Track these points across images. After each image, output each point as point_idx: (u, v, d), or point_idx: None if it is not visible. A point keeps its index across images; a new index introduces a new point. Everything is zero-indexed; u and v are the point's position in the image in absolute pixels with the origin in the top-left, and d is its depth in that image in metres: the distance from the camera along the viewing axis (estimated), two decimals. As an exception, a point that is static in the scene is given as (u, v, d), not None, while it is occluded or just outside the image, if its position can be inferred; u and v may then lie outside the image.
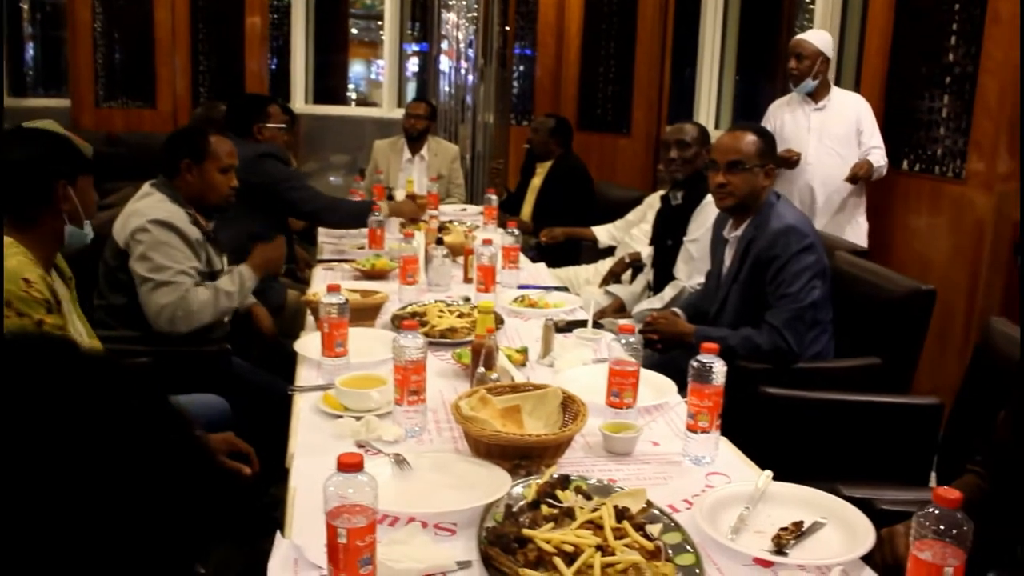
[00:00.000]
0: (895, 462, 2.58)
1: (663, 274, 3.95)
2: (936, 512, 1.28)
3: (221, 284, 3.01)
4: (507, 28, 6.79)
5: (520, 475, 1.81)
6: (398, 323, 2.78)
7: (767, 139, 3.07)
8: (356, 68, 10.58)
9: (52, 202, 2.26)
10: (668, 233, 3.97)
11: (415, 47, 9.21)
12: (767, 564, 1.57)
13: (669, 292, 3.78)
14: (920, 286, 3.00)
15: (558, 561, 1.48)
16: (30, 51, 10.08)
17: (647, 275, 4.19)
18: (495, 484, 1.76)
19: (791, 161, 4.35)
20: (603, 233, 5.01)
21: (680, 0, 6.81)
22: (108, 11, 9.20)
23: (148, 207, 3.01)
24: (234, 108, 4.34)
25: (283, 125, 4.36)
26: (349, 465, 1.39)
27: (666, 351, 3.04)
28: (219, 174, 3.13)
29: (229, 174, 3.17)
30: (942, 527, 1.27)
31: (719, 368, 1.93)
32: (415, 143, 5.91)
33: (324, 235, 4.57)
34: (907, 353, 3.02)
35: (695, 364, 1.94)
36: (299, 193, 4.06)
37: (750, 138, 3.03)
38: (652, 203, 4.69)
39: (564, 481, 1.76)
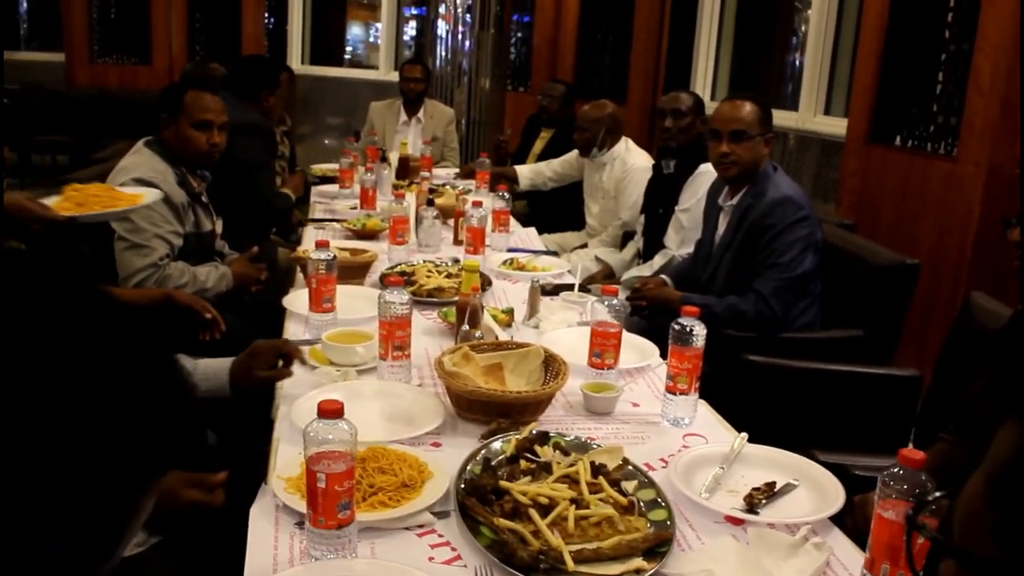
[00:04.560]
0: (873, 432, 2.61)
1: (653, 242, 3.97)
2: (900, 472, 1.31)
3: (200, 274, 2.99)
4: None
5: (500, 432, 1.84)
6: (385, 281, 2.80)
7: (765, 109, 3.08)
8: (354, 31, 10.52)
9: None
10: (659, 202, 3.99)
11: (413, 10, 9.17)
12: (738, 522, 1.60)
13: (658, 260, 3.81)
14: (905, 260, 3.03)
15: (533, 512, 1.51)
16: (24, 3, 10.00)
17: (637, 243, 4.21)
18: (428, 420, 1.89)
19: None
20: (525, 176, 5.06)
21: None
22: (105, -36, 9.13)
23: (133, 164, 3.00)
24: (244, 69, 4.29)
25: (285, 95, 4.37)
26: (329, 412, 1.42)
27: (653, 318, 3.07)
28: (192, 129, 3.09)
29: (210, 131, 3.12)
30: (905, 487, 1.30)
31: (699, 331, 1.96)
32: (412, 106, 5.90)
33: (316, 195, 4.58)
34: (890, 325, 3.06)
35: (675, 327, 1.97)
36: (262, 184, 4.05)
37: (749, 107, 3.05)
38: (571, 160, 4.86)
39: (543, 437, 1.78)
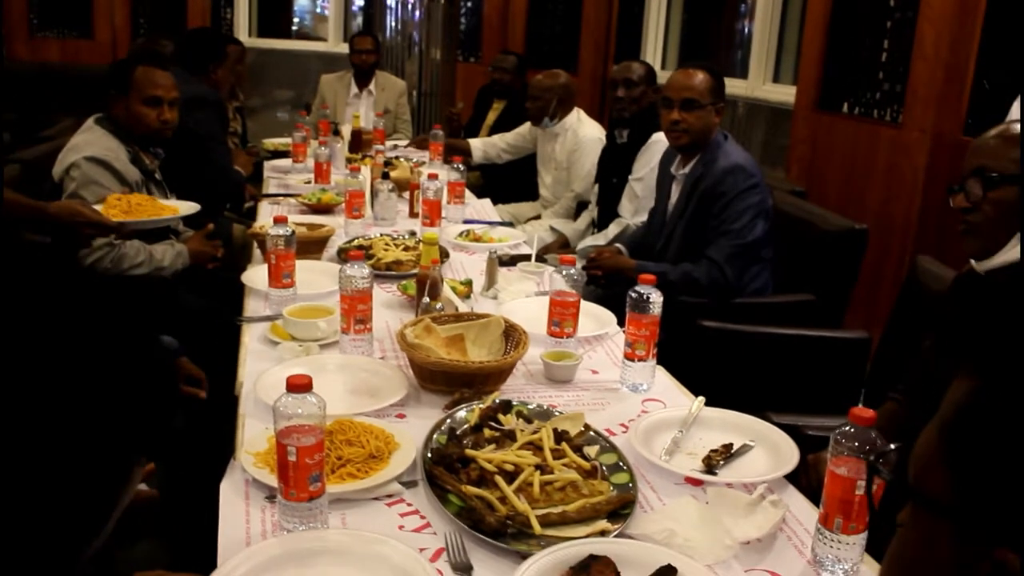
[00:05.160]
0: (824, 393, 2.69)
1: (607, 212, 4.01)
2: (851, 430, 1.37)
3: (156, 252, 2.97)
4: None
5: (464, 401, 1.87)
6: (344, 255, 2.81)
7: (718, 78, 3.12)
8: (301, 1, 10.38)
9: None
10: (613, 171, 4.03)
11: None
12: (697, 483, 1.65)
13: (613, 229, 3.85)
14: (853, 225, 3.11)
15: (499, 479, 1.55)
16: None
17: (591, 212, 4.25)
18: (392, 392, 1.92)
19: None
20: (478, 149, 5.07)
21: (629, -62, 6.80)
22: (42, -69, 8.89)
23: (85, 142, 2.98)
24: (191, 43, 4.26)
25: (236, 72, 4.34)
26: (298, 386, 1.44)
27: (609, 286, 3.11)
28: (143, 106, 3.07)
29: (160, 107, 3.10)
30: (856, 444, 1.35)
31: (656, 299, 2.00)
32: (363, 78, 5.87)
33: (270, 170, 4.55)
34: (840, 290, 3.14)
35: (632, 295, 2.01)
36: (218, 157, 4.03)
37: (702, 76, 3.09)
38: (524, 132, 4.90)
39: (506, 406, 1.82)
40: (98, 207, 2.67)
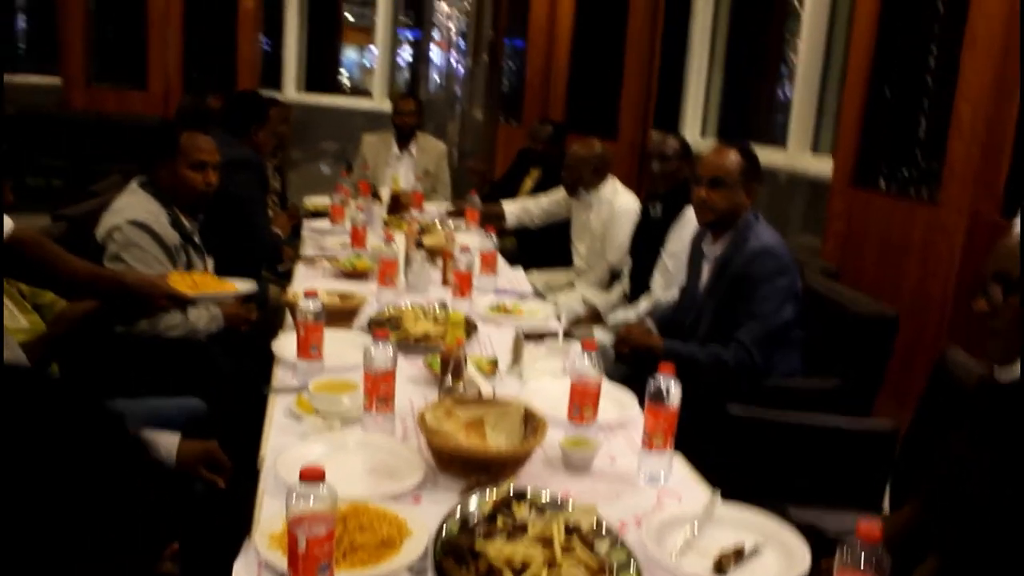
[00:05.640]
0: (849, 484, 2.66)
1: (639, 285, 4.03)
2: (859, 545, 1.37)
3: (191, 315, 3.05)
4: (498, 22, 6.83)
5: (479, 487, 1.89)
6: (373, 328, 2.84)
7: (750, 158, 3.14)
8: (349, 54, 10.61)
9: None
10: (646, 244, 4.05)
11: (408, 35, 9.25)
12: (708, 585, 1.65)
13: (644, 303, 3.86)
14: (884, 310, 3.09)
15: (507, 574, 1.55)
16: (21, 24, 10.05)
17: (624, 284, 4.26)
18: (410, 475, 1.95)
19: None
20: (512, 214, 5.11)
21: (670, 5, 6.88)
22: (101, -14, 9.20)
23: (127, 205, 3.07)
24: (234, 105, 4.38)
25: (279, 134, 4.44)
26: (311, 476, 1.47)
27: (637, 364, 3.12)
28: (190, 170, 3.17)
29: (205, 171, 3.20)
30: (863, 559, 1.35)
31: (675, 391, 2.01)
32: (404, 139, 5.97)
33: (308, 230, 4.64)
34: (869, 375, 3.11)
35: (652, 385, 2.02)
36: (257, 219, 4.15)
37: (733, 156, 3.11)
38: (559, 198, 4.91)
39: (520, 495, 1.83)
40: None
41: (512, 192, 5.71)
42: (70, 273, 2.33)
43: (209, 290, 2.73)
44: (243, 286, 2.87)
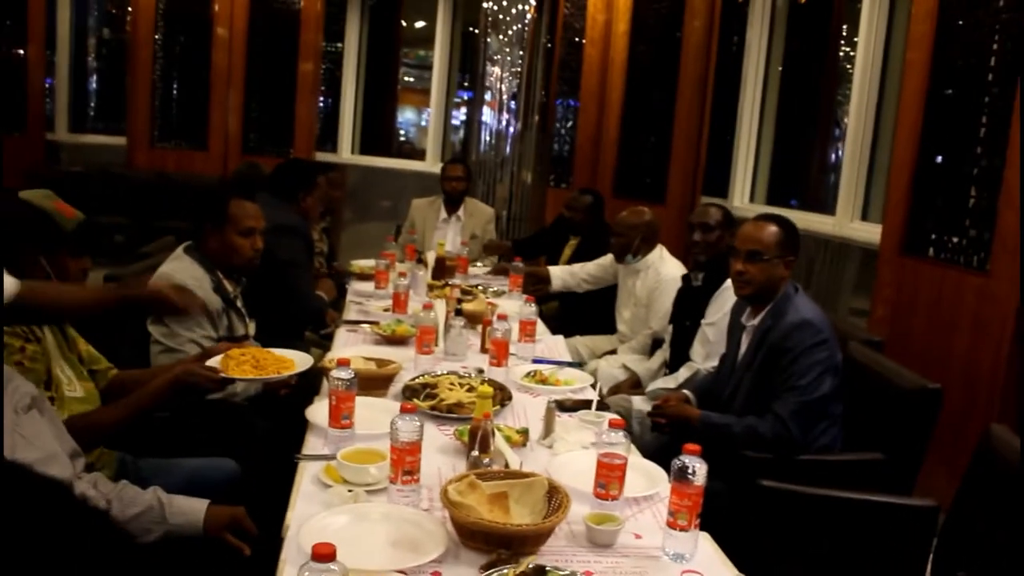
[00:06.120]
0: (888, 563, 2.59)
1: (679, 354, 4.00)
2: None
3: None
4: (550, 85, 6.91)
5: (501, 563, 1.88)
6: (404, 399, 2.86)
7: (789, 231, 3.13)
8: (407, 115, 10.80)
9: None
10: (687, 314, 4.03)
11: (465, 95, 9.39)
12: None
13: (683, 373, 3.83)
14: (927, 384, 3.02)
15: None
16: (93, 84, 10.45)
17: (664, 353, 4.24)
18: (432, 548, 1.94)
19: None
20: (557, 278, 5.11)
21: (720, 72, 6.92)
22: (168, 52, 9.53)
23: (174, 271, 3.14)
24: (282, 171, 4.48)
25: (332, 199, 4.52)
26: (322, 556, 1.47)
27: (673, 434, 3.10)
28: (239, 237, 3.25)
29: (252, 237, 3.28)
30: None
31: (700, 469, 1.98)
32: (452, 204, 6.04)
33: (352, 295, 4.69)
34: (912, 450, 3.04)
35: (677, 464, 2.00)
36: (301, 284, 4.21)
37: (772, 229, 3.10)
38: (606, 264, 4.94)
39: (539, 572, 1.82)
40: (216, 359, 2.72)
41: (554, 260, 5.72)
42: (76, 305, 2.40)
43: (268, 373, 2.73)
44: (301, 363, 2.85)
